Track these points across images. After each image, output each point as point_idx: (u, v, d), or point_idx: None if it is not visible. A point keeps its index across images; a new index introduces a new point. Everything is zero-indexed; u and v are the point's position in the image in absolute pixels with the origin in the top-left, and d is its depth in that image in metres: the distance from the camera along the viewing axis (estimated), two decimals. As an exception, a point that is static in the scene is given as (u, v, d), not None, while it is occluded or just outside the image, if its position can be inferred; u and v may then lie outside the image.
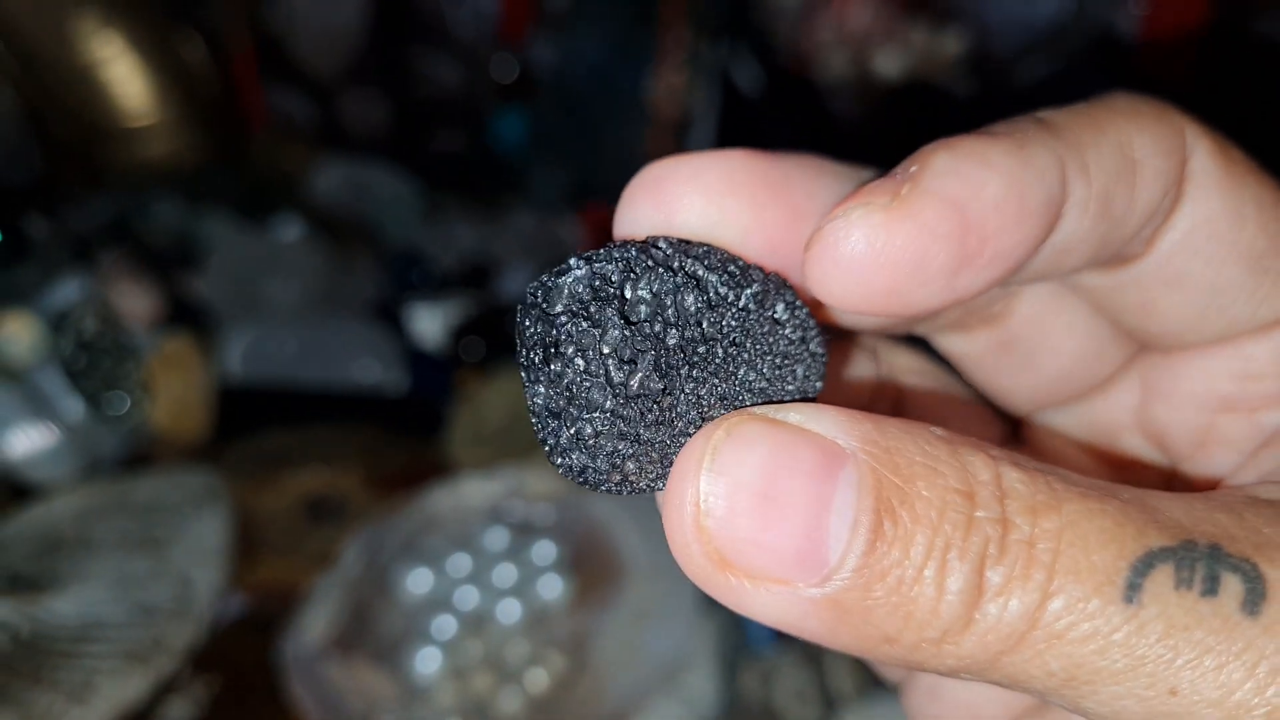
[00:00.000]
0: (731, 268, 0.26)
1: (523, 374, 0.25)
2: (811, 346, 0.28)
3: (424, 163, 1.40)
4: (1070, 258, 0.27)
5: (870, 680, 0.80)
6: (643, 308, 0.25)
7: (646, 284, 0.25)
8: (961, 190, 0.25)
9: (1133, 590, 0.22)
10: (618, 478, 0.25)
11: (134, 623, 0.81)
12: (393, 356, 1.15)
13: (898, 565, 0.22)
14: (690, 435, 0.25)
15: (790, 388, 0.27)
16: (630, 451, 0.25)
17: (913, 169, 0.25)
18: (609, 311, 0.24)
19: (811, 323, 0.28)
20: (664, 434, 0.25)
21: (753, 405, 0.26)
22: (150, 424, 1.02)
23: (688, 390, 0.25)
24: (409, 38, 1.45)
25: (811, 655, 0.82)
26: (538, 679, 0.80)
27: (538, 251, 1.30)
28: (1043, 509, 0.22)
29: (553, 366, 0.24)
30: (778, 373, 0.27)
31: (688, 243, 0.26)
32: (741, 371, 0.26)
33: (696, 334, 0.25)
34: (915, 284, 0.25)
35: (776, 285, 0.27)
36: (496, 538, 0.87)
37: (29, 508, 0.92)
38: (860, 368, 0.35)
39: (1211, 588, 0.22)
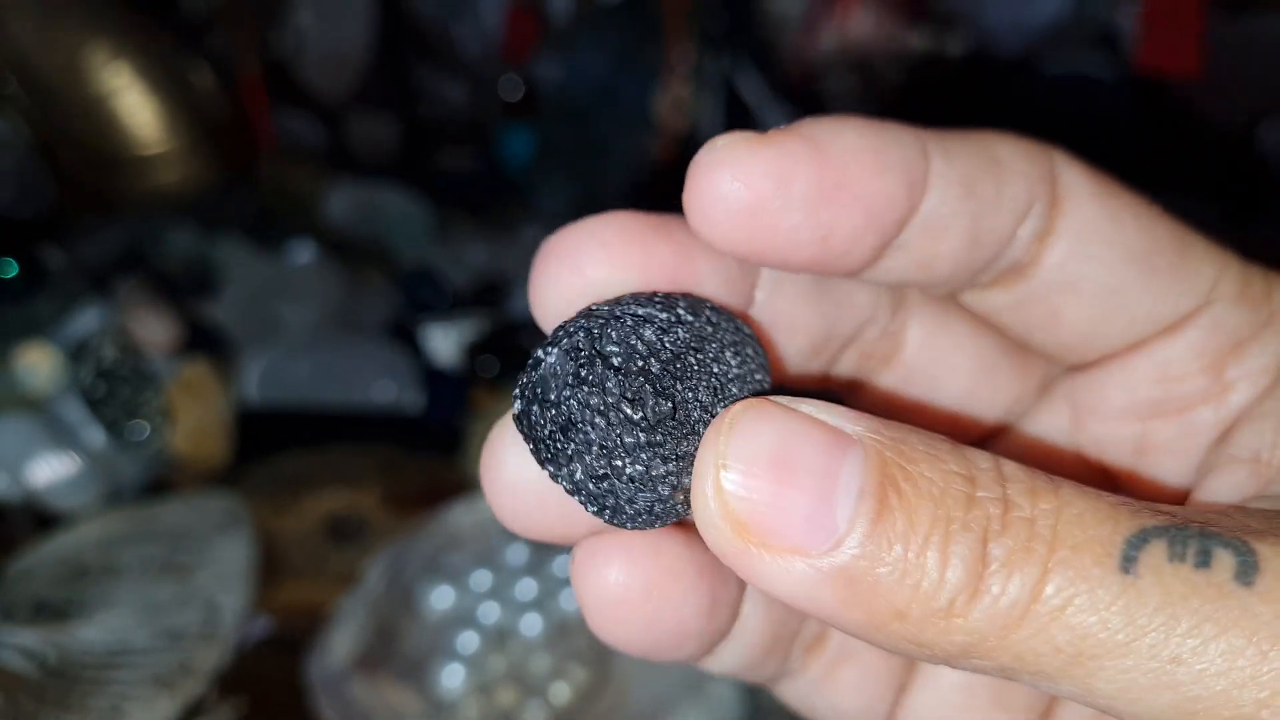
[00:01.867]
0: (657, 298, 0.29)
1: (550, 470, 0.27)
2: (745, 331, 0.30)
3: (433, 182, 1.41)
4: (945, 243, 0.29)
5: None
6: (616, 357, 0.27)
7: (609, 337, 0.27)
8: (820, 131, 0.27)
9: (1129, 562, 0.22)
10: (682, 496, 0.27)
11: (161, 648, 0.82)
12: (408, 376, 1.16)
13: (903, 536, 0.23)
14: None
15: (754, 365, 0.29)
16: (678, 467, 0.27)
17: None
18: (599, 368, 0.26)
19: (732, 317, 0.30)
20: (692, 443, 0.27)
21: (741, 390, 0.29)
22: (171, 450, 1.03)
23: (689, 399, 0.27)
24: (415, 58, 1.46)
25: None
26: (561, 692, 0.80)
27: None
28: (1042, 491, 0.23)
29: (579, 438, 0.26)
30: (740, 358, 0.29)
31: (614, 298, 0.29)
32: (716, 369, 0.28)
33: (668, 355, 0.27)
34: (779, 207, 0.27)
35: (695, 299, 0.29)
36: (517, 553, 0.88)
37: (53, 536, 0.92)
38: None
39: (1204, 560, 0.22)
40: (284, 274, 1.24)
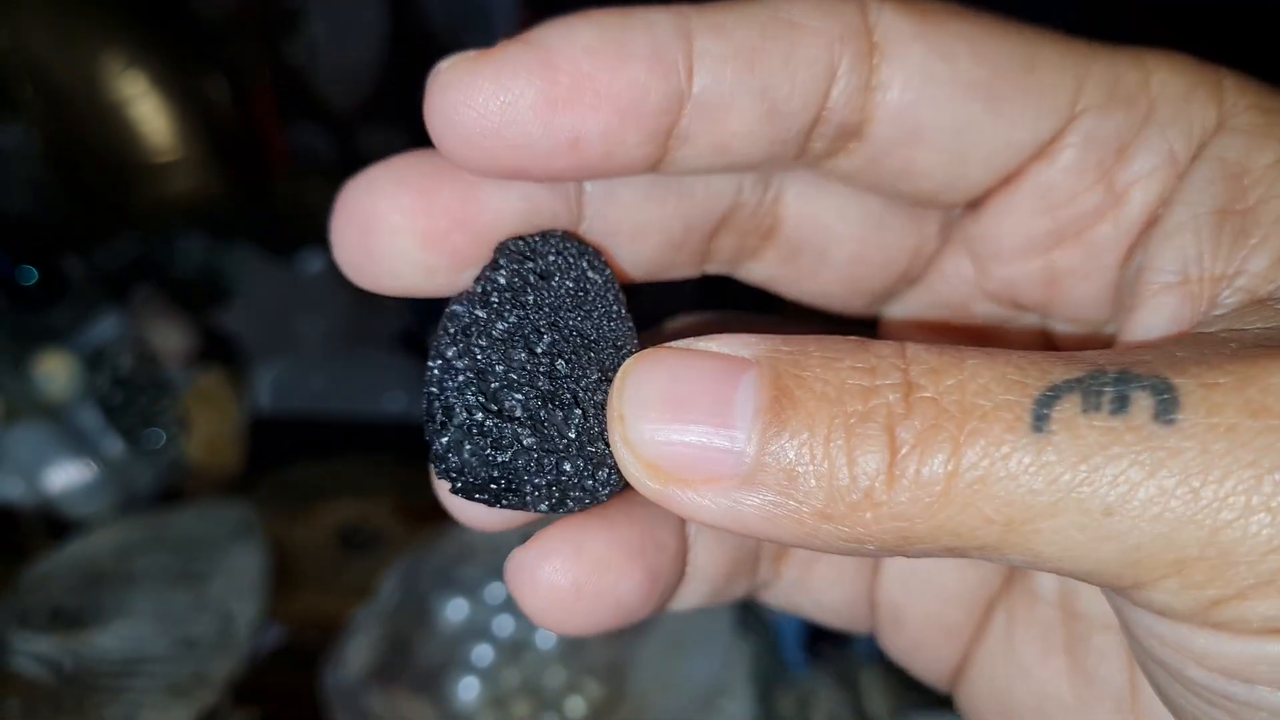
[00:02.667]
0: (478, 293, 0.29)
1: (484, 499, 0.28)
2: (589, 275, 0.30)
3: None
4: (733, 123, 0.27)
5: (906, 701, 0.81)
6: (477, 411, 0.28)
7: (453, 399, 0.28)
8: (549, 36, 0.26)
9: (1040, 420, 0.22)
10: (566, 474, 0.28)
11: (176, 656, 0.82)
12: (420, 387, 1.16)
13: (805, 442, 0.23)
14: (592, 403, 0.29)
15: (606, 315, 0.30)
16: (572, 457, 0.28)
17: None
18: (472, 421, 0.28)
19: (555, 243, 0.30)
20: (573, 425, 0.28)
21: (627, 348, 0.29)
22: (186, 459, 1.03)
23: (558, 399, 0.28)
24: (428, 71, 1.46)
25: (847, 678, 0.83)
26: (576, 706, 0.80)
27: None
28: (945, 368, 0.23)
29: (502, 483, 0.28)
30: (593, 316, 0.30)
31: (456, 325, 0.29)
32: (587, 327, 0.29)
33: (506, 384, 0.28)
34: (511, 120, 0.26)
35: (520, 253, 0.29)
36: (531, 566, 0.88)
37: (68, 543, 0.93)
38: None
39: (1121, 406, 0.21)
40: (296, 284, 1.24)
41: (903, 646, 0.36)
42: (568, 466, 0.28)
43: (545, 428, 0.28)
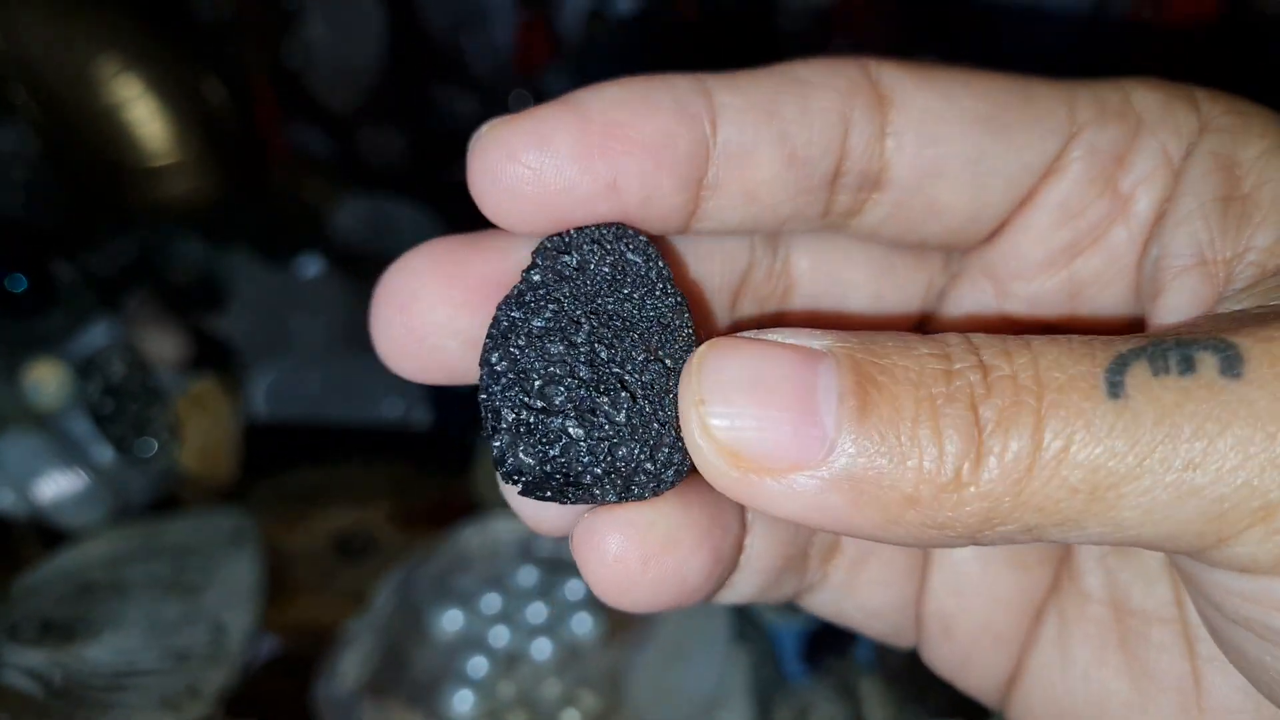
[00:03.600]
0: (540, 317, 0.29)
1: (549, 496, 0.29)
2: (635, 257, 0.30)
3: (443, 196, 1.41)
4: (759, 169, 0.29)
5: (906, 714, 0.80)
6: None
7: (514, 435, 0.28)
8: (580, 96, 0.28)
9: (1115, 387, 0.22)
10: (621, 466, 0.28)
11: (168, 669, 0.81)
12: (417, 392, 1.16)
13: (892, 424, 0.23)
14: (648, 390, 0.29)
15: (665, 320, 0.30)
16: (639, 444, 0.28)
17: None
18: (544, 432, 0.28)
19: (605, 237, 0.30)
20: (635, 417, 0.28)
21: (676, 325, 0.29)
22: (179, 466, 1.02)
23: (620, 391, 0.28)
24: (426, 72, 1.46)
25: (847, 688, 0.82)
26: (571, 719, 0.79)
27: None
28: (1014, 349, 0.24)
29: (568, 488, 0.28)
30: (651, 328, 0.30)
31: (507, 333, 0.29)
32: (628, 309, 0.29)
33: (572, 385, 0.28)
34: (550, 167, 0.27)
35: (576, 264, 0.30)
36: (527, 575, 0.87)
37: (59, 553, 0.92)
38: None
39: (1188, 366, 0.22)
40: (293, 287, 1.23)
41: (952, 657, 0.35)
42: (622, 451, 0.28)
43: (592, 416, 0.28)
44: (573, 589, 0.86)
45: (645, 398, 0.28)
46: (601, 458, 0.28)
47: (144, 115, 1.23)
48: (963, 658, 0.35)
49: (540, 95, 1.42)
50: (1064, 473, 0.22)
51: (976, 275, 0.34)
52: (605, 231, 0.30)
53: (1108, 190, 0.30)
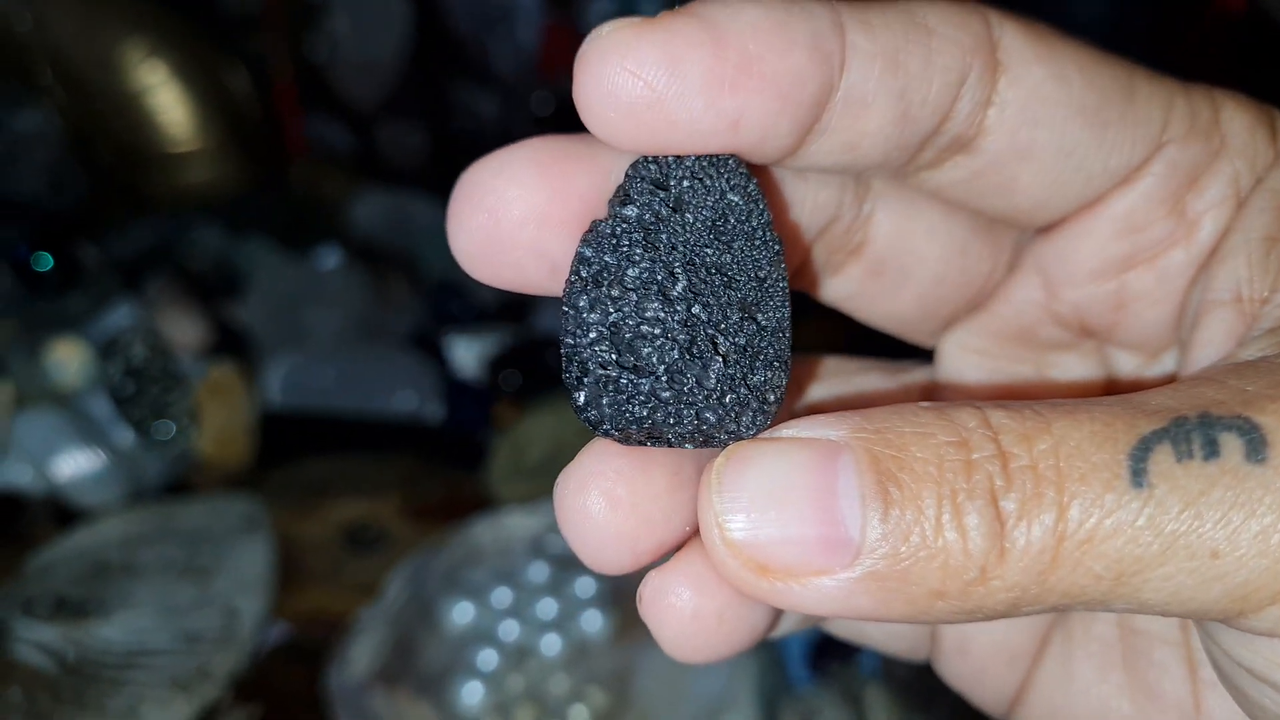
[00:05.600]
0: (636, 261, 0.27)
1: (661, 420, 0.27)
2: (734, 189, 0.28)
3: (462, 194, 1.41)
4: (870, 121, 0.27)
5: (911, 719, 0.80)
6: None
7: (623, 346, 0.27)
8: (714, 11, 0.25)
9: (1139, 476, 0.22)
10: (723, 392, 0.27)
11: (179, 650, 0.82)
12: (431, 387, 1.16)
13: (915, 522, 0.23)
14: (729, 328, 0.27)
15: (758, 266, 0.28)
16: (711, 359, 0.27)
17: None
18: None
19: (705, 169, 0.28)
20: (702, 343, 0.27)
21: (770, 278, 0.28)
22: (195, 451, 1.03)
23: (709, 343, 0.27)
24: (449, 70, 1.46)
25: (852, 694, 0.82)
26: (579, 715, 0.80)
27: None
28: (1034, 433, 0.24)
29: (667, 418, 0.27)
30: (747, 246, 0.28)
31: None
32: (727, 261, 0.28)
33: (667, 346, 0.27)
34: (676, 95, 0.25)
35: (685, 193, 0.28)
36: (538, 571, 0.88)
37: (74, 532, 0.92)
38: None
39: (1213, 451, 0.22)
40: (310, 279, 1.24)
41: (965, 673, 0.36)
42: (710, 416, 0.27)
43: (683, 379, 0.27)
44: (583, 586, 0.86)
45: (737, 362, 0.27)
46: (687, 421, 0.27)
47: (167, 102, 1.24)
48: (976, 673, 0.35)
49: (563, 97, 1.43)
50: (1088, 562, 0.23)
51: (1030, 272, 0.33)
52: (707, 165, 0.28)
53: (1175, 211, 0.30)
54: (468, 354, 1.20)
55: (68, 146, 1.22)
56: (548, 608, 0.86)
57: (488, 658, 0.82)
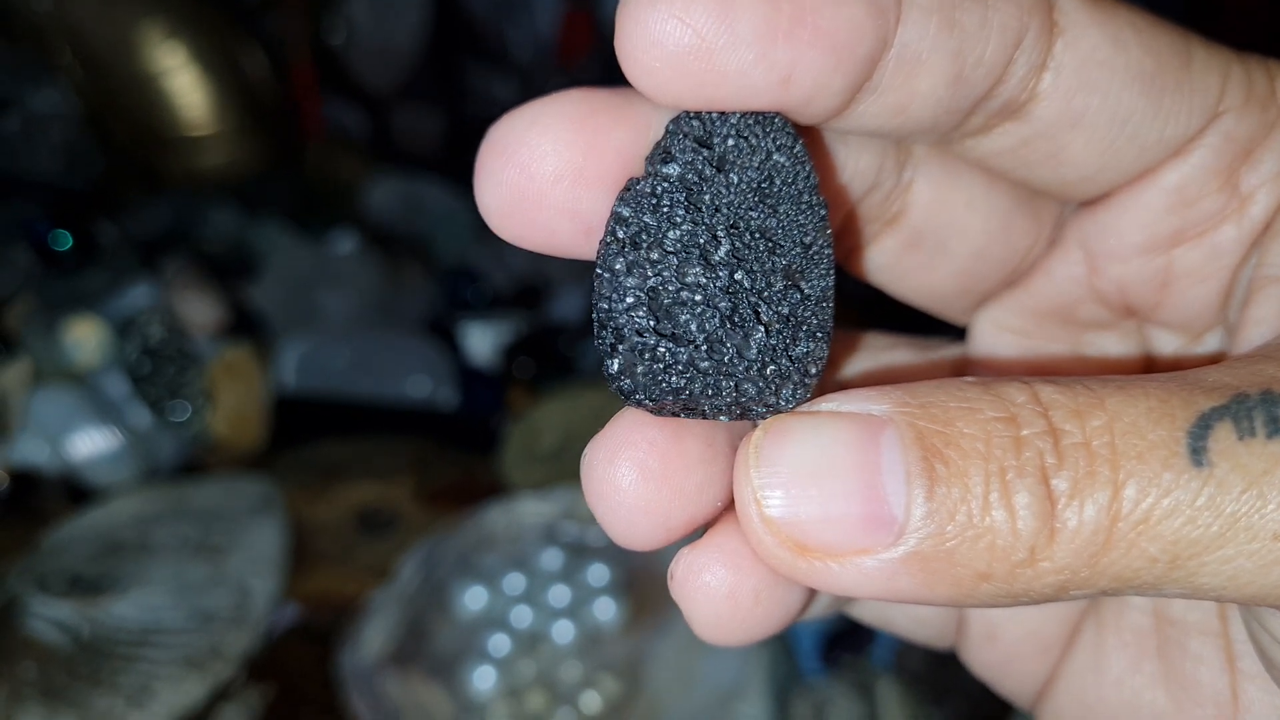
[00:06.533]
0: (679, 222, 0.26)
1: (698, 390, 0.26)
2: (782, 156, 0.27)
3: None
4: (922, 81, 0.25)
5: (922, 712, 0.80)
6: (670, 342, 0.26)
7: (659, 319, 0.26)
8: None
9: (1198, 454, 0.21)
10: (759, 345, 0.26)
11: (192, 629, 0.82)
12: (444, 372, 1.16)
13: (962, 501, 0.22)
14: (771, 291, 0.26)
15: (805, 233, 0.27)
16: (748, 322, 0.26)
17: None
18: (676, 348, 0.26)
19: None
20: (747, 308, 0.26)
21: (816, 245, 0.26)
22: (209, 431, 1.03)
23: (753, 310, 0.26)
24: (466, 56, 1.46)
25: (864, 686, 0.82)
26: (591, 702, 0.80)
27: (589, 273, 1.31)
28: (1087, 409, 0.23)
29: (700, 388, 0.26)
30: (795, 206, 0.27)
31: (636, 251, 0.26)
32: (771, 225, 0.26)
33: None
34: (726, 45, 0.23)
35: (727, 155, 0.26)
36: (551, 558, 0.88)
37: (89, 510, 0.93)
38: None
39: (1277, 428, 0.22)
40: (325, 262, 1.24)
41: (993, 662, 0.35)
42: (750, 388, 0.26)
43: (723, 348, 0.25)
44: (595, 574, 0.86)
45: (780, 332, 0.26)
46: (726, 393, 0.26)
47: (185, 84, 1.23)
48: (1004, 661, 0.35)
49: (579, 83, 1.43)
50: (1143, 543, 0.22)
51: (1072, 247, 0.32)
52: (752, 123, 0.26)
53: (1228, 185, 0.28)
54: (482, 340, 1.20)
55: (85, 126, 1.22)
56: (560, 594, 0.86)
57: (500, 643, 0.83)
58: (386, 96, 1.46)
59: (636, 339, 0.25)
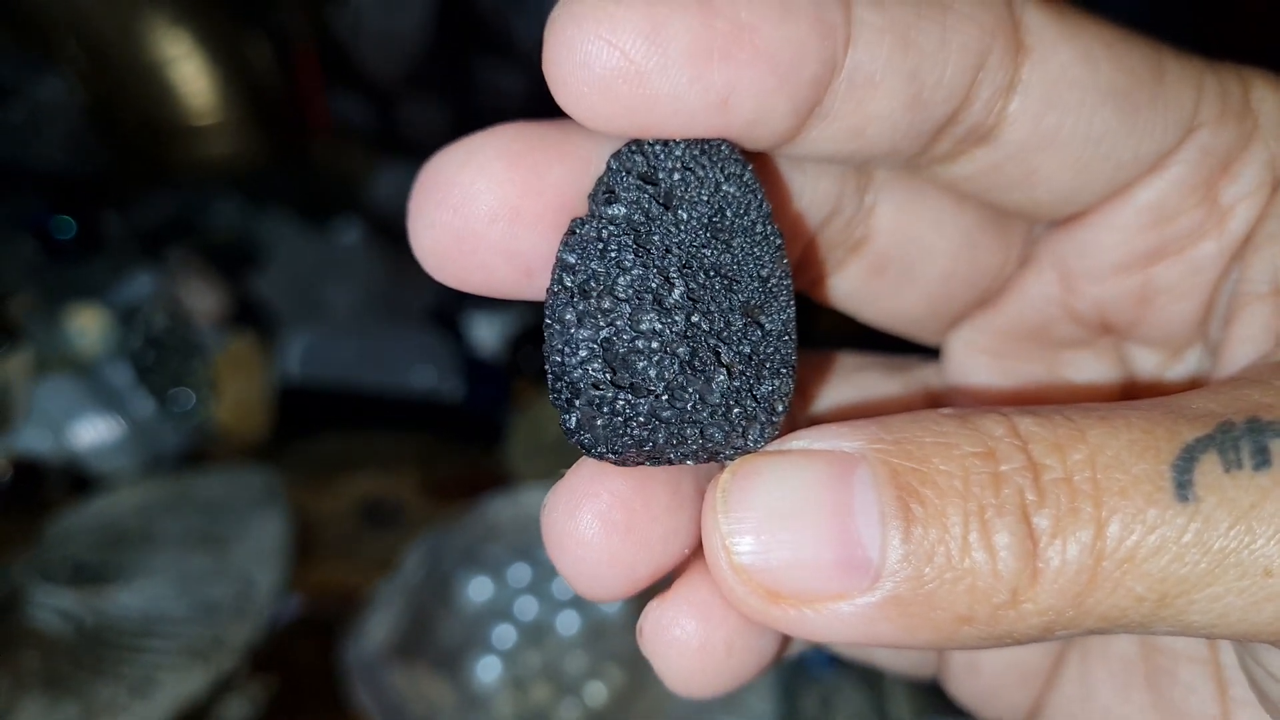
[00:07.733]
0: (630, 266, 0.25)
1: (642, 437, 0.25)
2: (734, 179, 0.25)
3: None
4: (876, 103, 0.24)
5: (929, 704, 0.80)
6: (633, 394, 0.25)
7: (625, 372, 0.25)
8: None
9: (1184, 488, 0.21)
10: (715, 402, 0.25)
11: (195, 619, 0.82)
12: (450, 364, 1.16)
13: (940, 542, 0.21)
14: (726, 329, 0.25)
15: (761, 269, 0.26)
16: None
17: None
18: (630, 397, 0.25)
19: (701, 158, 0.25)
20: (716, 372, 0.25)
21: (774, 277, 0.25)
22: (213, 422, 1.03)
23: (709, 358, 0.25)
24: (472, 46, 1.45)
25: (871, 678, 0.82)
26: (597, 692, 0.79)
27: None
28: (1067, 442, 0.22)
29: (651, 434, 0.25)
30: (747, 240, 0.25)
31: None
32: (726, 261, 0.25)
33: (666, 373, 0.24)
34: (657, 67, 0.22)
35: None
36: (557, 549, 0.87)
37: (92, 499, 0.92)
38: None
39: (1264, 460, 0.21)
40: (329, 253, 1.23)
41: (977, 693, 0.34)
42: (715, 433, 0.24)
43: (686, 395, 0.24)
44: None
45: (743, 373, 0.25)
46: (692, 440, 0.24)
47: (189, 74, 1.23)
48: (988, 692, 0.34)
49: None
50: (1129, 583, 0.21)
51: (1045, 267, 0.31)
52: (698, 153, 0.25)
53: (1207, 200, 0.27)
54: (487, 332, 1.20)
55: (89, 116, 1.22)
56: (565, 586, 0.85)
57: (505, 634, 0.82)
58: (392, 87, 1.45)
59: (594, 392, 0.24)
